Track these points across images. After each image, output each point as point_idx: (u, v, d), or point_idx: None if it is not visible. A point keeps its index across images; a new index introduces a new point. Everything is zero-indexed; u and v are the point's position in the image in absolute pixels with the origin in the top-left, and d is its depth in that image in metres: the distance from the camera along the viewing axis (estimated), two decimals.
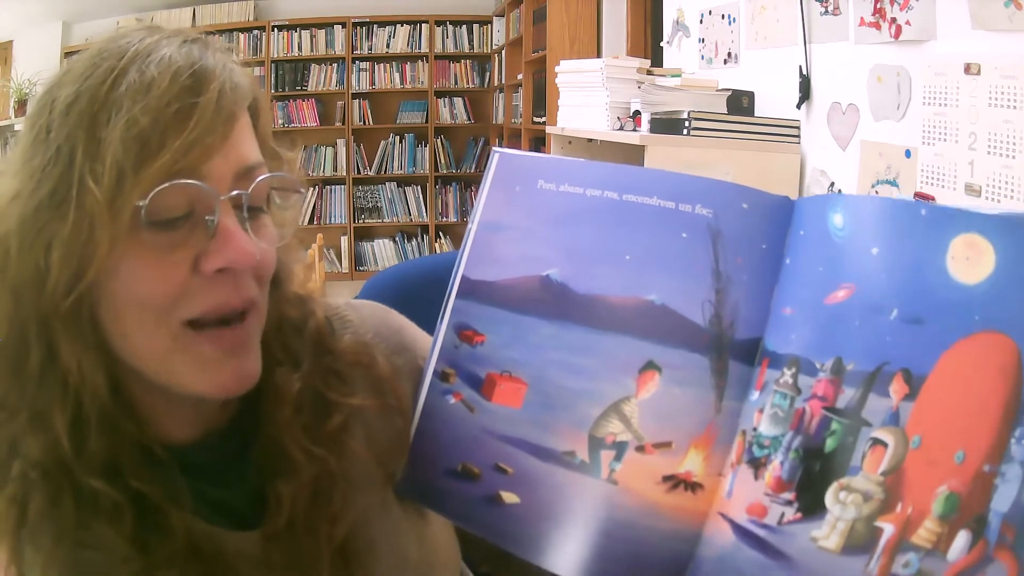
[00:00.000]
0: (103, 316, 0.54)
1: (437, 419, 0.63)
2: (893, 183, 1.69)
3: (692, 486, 0.56)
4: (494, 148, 0.66)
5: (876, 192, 1.74)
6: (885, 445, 0.49)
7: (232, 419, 0.63)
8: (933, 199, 1.53)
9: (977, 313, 0.47)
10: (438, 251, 6.07)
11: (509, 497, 0.60)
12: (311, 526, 0.60)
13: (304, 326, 0.66)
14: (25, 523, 0.55)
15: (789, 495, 0.51)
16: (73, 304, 0.53)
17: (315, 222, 6.18)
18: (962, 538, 0.46)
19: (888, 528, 0.48)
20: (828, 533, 0.49)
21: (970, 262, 0.48)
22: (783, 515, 0.51)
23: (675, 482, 0.56)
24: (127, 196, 0.51)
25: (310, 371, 0.64)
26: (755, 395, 0.55)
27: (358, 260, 6.31)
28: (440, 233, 6.36)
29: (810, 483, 0.51)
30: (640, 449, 0.57)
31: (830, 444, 0.50)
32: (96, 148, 0.51)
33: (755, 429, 0.54)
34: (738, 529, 0.53)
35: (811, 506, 0.50)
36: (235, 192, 0.55)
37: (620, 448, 0.57)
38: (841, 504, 0.49)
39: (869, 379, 0.50)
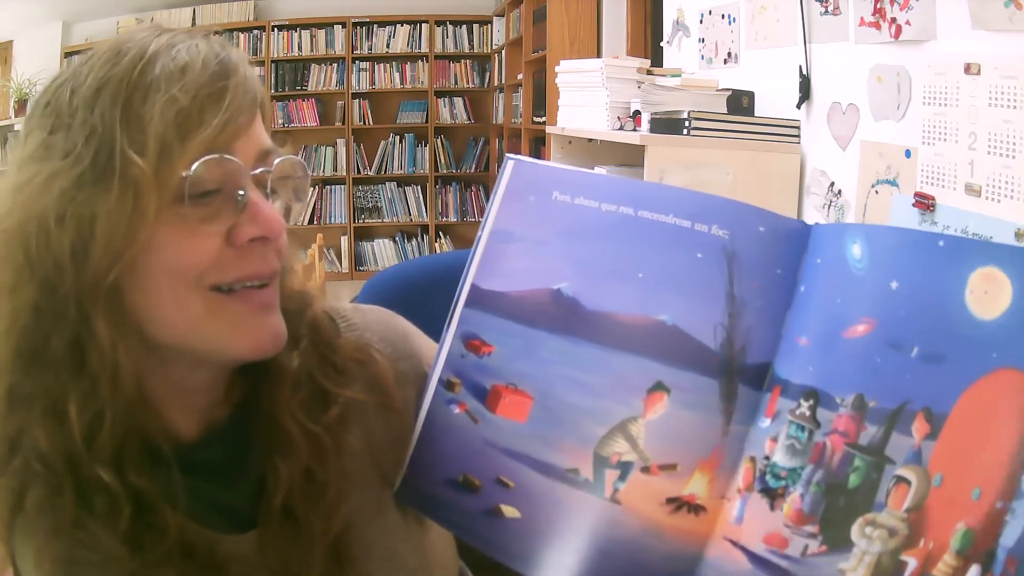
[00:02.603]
0: (134, 291, 0.55)
1: (440, 428, 0.63)
2: (893, 183, 1.69)
3: (695, 508, 0.56)
4: (508, 155, 0.65)
5: (876, 192, 1.74)
6: (908, 483, 0.49)
7: (233, 412, 0.63)
8: (933, 199, 1.53)
9: (995, 350, 0.48)
10: (438, 251, 6.07)
11: (509, 511, 0.59)
12: (305, 518, 0.60)
13: (302, 314, 0.66)
14: (21, 512, 0.55)
15: (812, 528, 0.52)
16: (113, 281, 0.53)
17: (315, 222, 6.18)
18: (973, 572, 0.47)
19: (912, 562, 0.49)
20: (855, 566, 0.50)
21: (988, 296, 0.48)
22: (807, 547, 0.51)
23: (678, 504, 0.56)
24: (174, 166, 0.53)
25: (308, 353, 0.64)
26: (765, 422, 0.55)
27: (358, 260, 6.31)
28: (440, 233, 6.36)
29: (834, 517, 0.51)
30: (645, 470, 0.56)
31: (854, 480, 0.51)
32: (137, 123, 0.53)
33: (767, 458, 0.54)
34: (755, 558, 0.53)
35: (836, 540, 0.51)
36: (261, 170, 0.58)
37: (625, 468, 0.57)
38: (867, 539, 0.50)
39: (892, 417, 0.50)
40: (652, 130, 2.14)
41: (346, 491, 0.62)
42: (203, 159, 0.54)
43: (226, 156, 0.55)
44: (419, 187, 6.36)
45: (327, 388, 0.64)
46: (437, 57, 6.25)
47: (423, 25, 6.18)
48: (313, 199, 6.22)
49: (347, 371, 0.66)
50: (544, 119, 4.25)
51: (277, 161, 0.60)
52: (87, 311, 0.54)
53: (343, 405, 0.64)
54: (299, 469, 0.61)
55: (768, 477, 0.54)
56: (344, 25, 6.09)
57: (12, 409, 0.55)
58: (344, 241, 6.27)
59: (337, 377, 0.65)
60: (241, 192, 0.56)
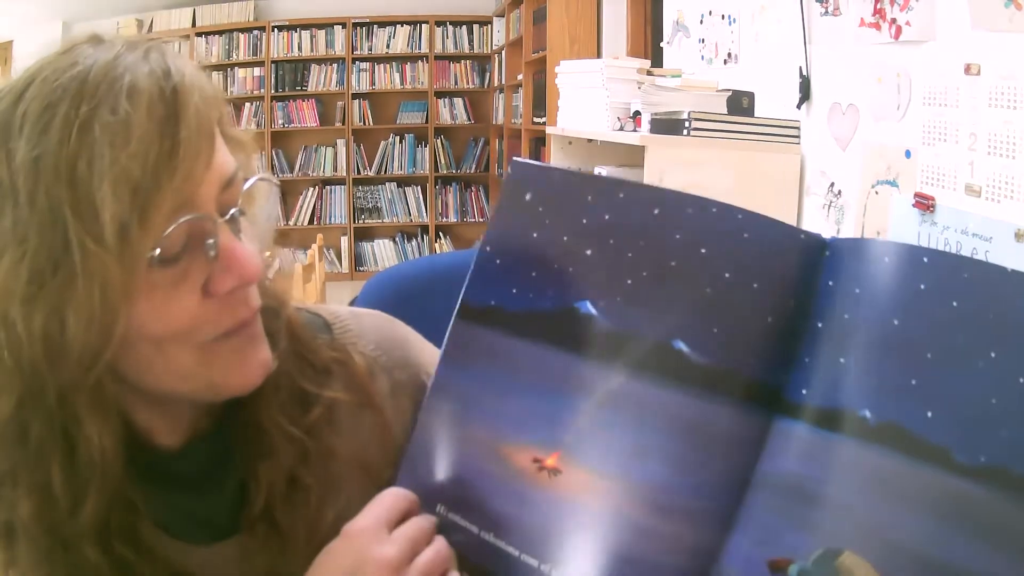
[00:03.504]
0: (119, 362, 0.52)
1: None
2: (893, 183, 1.69)
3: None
4: (514, 157, 0.63)
5: (876, 193, 1.74)
6: None
7: (216, 420, 0.62)
8: (933, 199, 1.53)
9: None
10: (438, 251, 6.06)
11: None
12: (289, 525, 0.59)
13: (278, 315, 0.63)
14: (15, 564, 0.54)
15: None
16: (97, 372, 0.50)
17: (315, 222, 6.18)
18: None
19: None
20: None
21: None
22: None
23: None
24: (136, 248, 0.49)
25: (286, 355, 0.62)
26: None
27: (358, 260, 6.31)
28: (440, 233, 6.36)
29: None
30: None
31: None
32: (88, 207, 0.48)
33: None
34: None
35: None
36: (230, 213, 0.54)
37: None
38: None
39: None
40: (652, 131, 2.14)
41: (332, 496, 0.61)
42: (168, 231, 0.50)
43: (191, 216, 0.51)
44: (419, 187, 6.36)
45: (307, 389, 0.62)
46: (437, 57, 6.25)
47: (423, 25, 6.18)
48: (313, 199, 6.22)
49: (326, 371, 0.64)
50: (544, 119, 4.25)
51: (245, 186, 0.56)
52: (71, 404, 0.51)
53: (325, 406, 0.63)
54: (282, 474, 0.59)
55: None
56: (344, 25, 6.09)
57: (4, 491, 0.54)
58: (344, 241, 6.27)
59: (316, 377, 0.63)
60: (210, 241, 0.52)
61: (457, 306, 0.61)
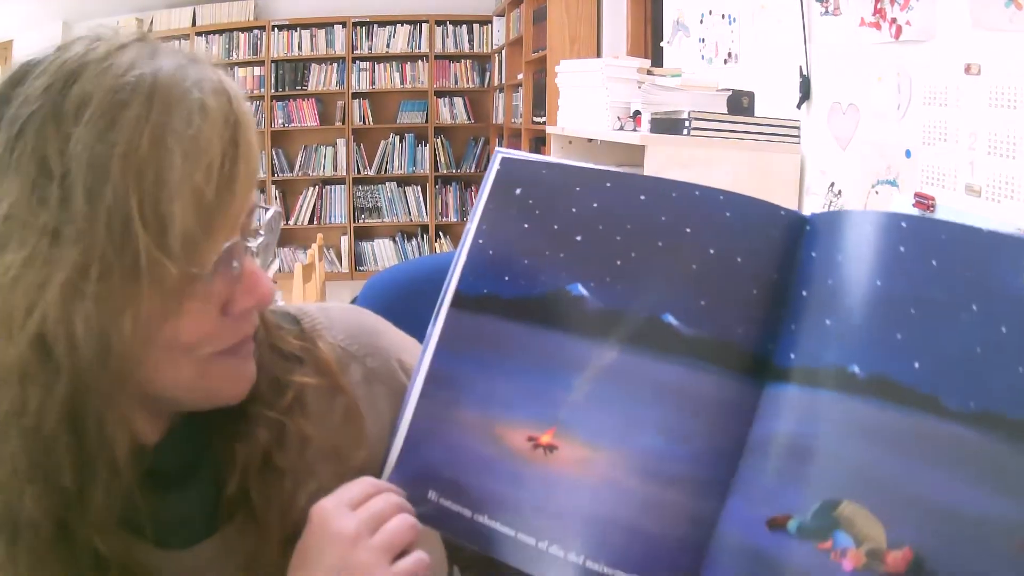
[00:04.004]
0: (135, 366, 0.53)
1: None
2: (893, 183, 1.69)
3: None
4: (497, 149, 0.66)
5: (876, 192, 1.74)
6: None
7: (194, 414, 0.63)
8: (933, 199, 1.53)
9: None
10: (438, 251, 6.06)
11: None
12: (262, 509, 0.60)
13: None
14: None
15: None
16: (131, 372, 0.52)
17: (315, 222, 6.18)
18: None
19: None
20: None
21: None
22: None
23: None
24: (201, 263, 0.51)
25: (262, 345, 0.64)
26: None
27: (358, 260, 6.30)
28: (440, 233, 6.36)
29: None
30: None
31: None
32: (154, 215, 0.49)
33: None
34: None
35: None
36: (256, 238, 0.58)
37: None
38: None
39: None
40: (652, 130, 2.14)
41: (304, 481, 0.62)
42: (224, 247, 0.52)
43: (236, 240, 0.54)
44: (419, 187, 6.36)
45: (278, 375, 0.64)
46: (437, 57, 6.24)
47: (423, 25, 6.18)
48: (313, 199, 6.22)
49: (296, 359, 0.66)
50: (544, 119, 4.25)
51: (266, 219, 0.59)
52: (101, 401, 0.52)
53: (297, 392, 0.64)
54: (257, 454, 0.60)
55: None
56: (344, 25, 6.09)
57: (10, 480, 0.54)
58: (344, 241, 6.26)
59: (287, 364, 0.65)
60: (236, 264, 0.55)
61: (450, 296, 0.63)
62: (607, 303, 0.58)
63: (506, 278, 0.62)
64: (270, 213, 0.60)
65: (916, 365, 0.49)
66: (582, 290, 0.59)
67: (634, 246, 0.58)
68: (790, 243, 0.56)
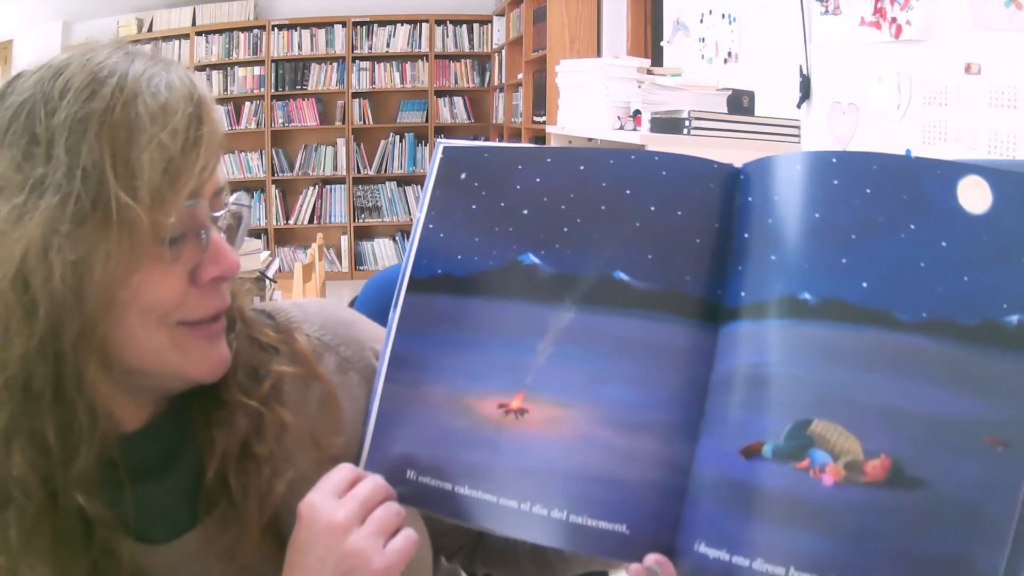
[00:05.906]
0: (111, 327, 0.57)
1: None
2: None
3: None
4: (438, 140, 0.69)
5: None
6: None
7: (175, 403, 0.65)
8: None
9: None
10: None
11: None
12: (241, 497, 0.62)
13: (233, 303, 0.67)
14: (8, 550, 0.57)
15: None
16: (107, 323, 0.55)
17: (315, 221, 6.18)
18: None
19: None
20: None
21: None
22: None
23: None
24: (165, 213, 0.55)
25: (241, 336, 0.66)
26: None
27: (358, 260, 6.31)
28: None
29: None
30: None
31: None
32: (126, 168, 0.54)
33: None
34: None
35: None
36: (225, 210, 0.62)
37: None
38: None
39: None
40: (652, 130, 2.14)
41: (282, 468, 0.64)
42: (184, 206, 0.57)
43: (200, 201, 0.58)
44: (419, 187, 6.36)
45: (256, 365, 0.66)
46: (437, 57, 6.25)
47: (423, 25, 6.18)
48: (313, 198, 6.22)
49: (273, 349, 0.69)
50: (544, 119, 4.25)
51: (231, 201, 0.63)
52: (77, 352, 0.55)
53: (274, 380, 0.66)
54: (236, 441, 0.62)
55: None
56: (344, 25, 6.09)
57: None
58: (344, 241, 6.27)
59: (264, 355, 0.67)
60: (204, 232, 0.59)
61: (405, 283, 0.65)
62: (559, 268, 0.61)
63: (459, 257, 0.64)
64: (233, 197, 0.63)
65: (864, 285, 0.52)
66: (534, 259, 0.62)
67: (579, 212, 0.62)
68: (727, 192, 0.59)
